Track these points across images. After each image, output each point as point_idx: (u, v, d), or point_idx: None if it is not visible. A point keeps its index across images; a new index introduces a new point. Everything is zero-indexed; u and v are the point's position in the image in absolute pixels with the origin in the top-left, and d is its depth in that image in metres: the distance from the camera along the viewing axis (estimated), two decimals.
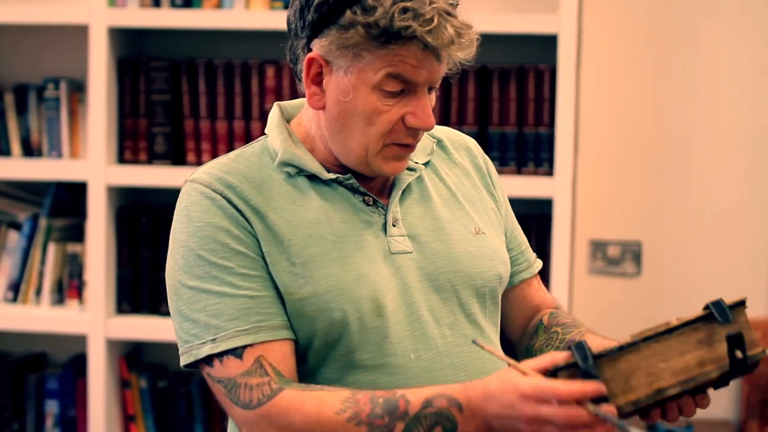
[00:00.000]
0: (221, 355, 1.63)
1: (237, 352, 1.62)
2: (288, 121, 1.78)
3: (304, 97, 1.75)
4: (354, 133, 1.66)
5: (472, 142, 1.92)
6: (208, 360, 1.64)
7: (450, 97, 3.18)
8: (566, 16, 3.07)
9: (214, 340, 1.63)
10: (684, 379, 1.52)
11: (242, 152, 1.75)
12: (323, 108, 1.68)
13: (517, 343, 1.93)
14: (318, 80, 1.67)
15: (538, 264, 1.94)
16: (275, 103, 1.80)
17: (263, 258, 1.66)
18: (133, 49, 3.37)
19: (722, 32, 3.36)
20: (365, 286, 1.66)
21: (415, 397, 1.56)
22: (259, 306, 1.64)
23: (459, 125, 3.17)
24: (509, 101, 3.18)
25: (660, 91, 3.39)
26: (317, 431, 1.57)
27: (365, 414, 1.56)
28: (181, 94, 3.27)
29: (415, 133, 1.68)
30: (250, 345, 1.62)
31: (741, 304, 1.55)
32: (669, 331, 1.52)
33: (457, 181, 1.83)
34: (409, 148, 1.70)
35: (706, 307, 1.54)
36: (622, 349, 1.50)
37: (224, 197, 1.66)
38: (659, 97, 3.39)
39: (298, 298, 1.64)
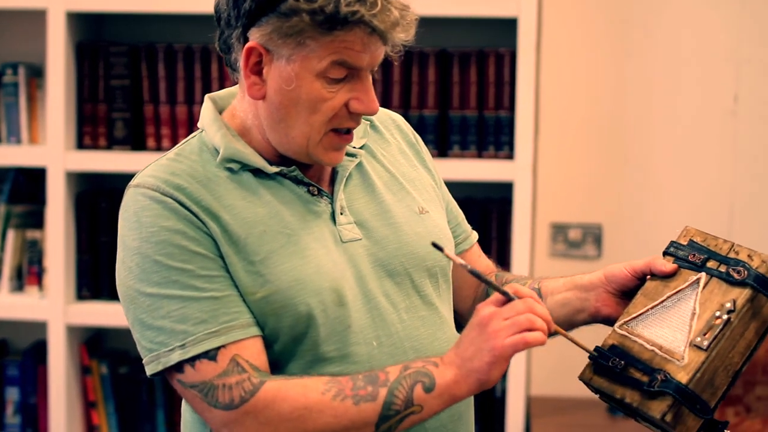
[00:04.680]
0: (192, 360, 1.59)
1: (210, 354, 1.59)
2: (220, 112, 1.74)
3: (234, 85, 1.73)
4: (296, 122, 1.64)
5: (400, 118, 1.90)
6: (178, 366, 1.60)
7: (410, 81, 3.18)
8: None
9: (183, 345, 1.59)
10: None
11: (181, 151, 1.70)
12: (263, 98, 1.65)
13: (467, 312, 1.93)
14: (257, 69, 1.64)
15: (475, 234, 1.96)
16: (206, 96, 1.76)
17: (222, 258, 1.63)
18: (92, 34, 3.34)
19: (685, 17, 3.38)
20: (325, 277, 1.65)
21: (393, 367, 1.61)
22: (225, 306, 1.61)
23: (419, 109, 3.17)
24: (470, 85, 3.18)
25: (620, 74, 3.40)
26: (305, 415, 1.57)
27: (348, 388, 1.58)
28: (140, 78, 3.25)
29: (357, 117, 1.67)
30: (223, 346, 1.59)
31: None
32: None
33: (393, 161, 1.82)
34: (349, 135, 1.68)
35: None
36: None
37: (175, 199, 1.62)
38: (620, 81, 3.40)
39: (260, 297, 1.62)
